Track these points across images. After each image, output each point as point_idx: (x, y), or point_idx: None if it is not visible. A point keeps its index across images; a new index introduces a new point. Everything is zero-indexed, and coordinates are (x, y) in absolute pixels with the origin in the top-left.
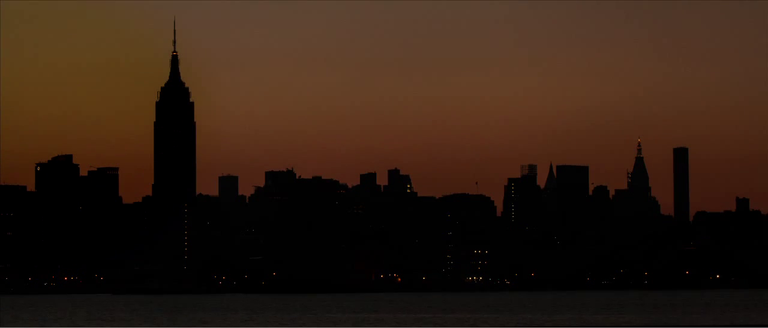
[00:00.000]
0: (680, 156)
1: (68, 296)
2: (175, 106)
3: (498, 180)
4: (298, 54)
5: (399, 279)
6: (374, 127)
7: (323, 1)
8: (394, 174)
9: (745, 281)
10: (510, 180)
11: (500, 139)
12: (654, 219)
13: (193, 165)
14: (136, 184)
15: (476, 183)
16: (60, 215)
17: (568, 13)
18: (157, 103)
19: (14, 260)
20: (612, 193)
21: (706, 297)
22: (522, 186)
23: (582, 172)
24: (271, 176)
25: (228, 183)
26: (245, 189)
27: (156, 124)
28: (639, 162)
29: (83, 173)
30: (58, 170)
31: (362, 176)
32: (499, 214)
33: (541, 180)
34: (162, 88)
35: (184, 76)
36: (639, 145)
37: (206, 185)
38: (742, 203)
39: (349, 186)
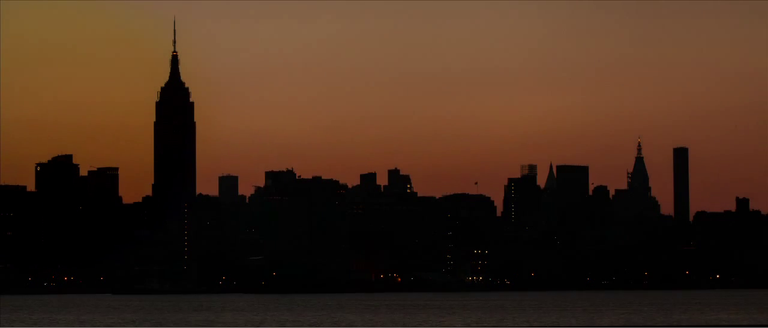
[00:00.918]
0: (680, 156)
1: (68, 296)
2: (175, 106)
3: (498, 180)
4: (299, 54)
5: (399, 279)
6: (374, 127)
7: (324, 1)
8: (394, 174)
9: (745, 281)
10: (510, 180)
11: (500, 139)
12: (654, 219)
13: (193, 165)
14: (136, 184)
15: (476, 183)
16: (60, 215)
17: (568, 14)
18: (157, 103)
19: (14, 260)
20: (612, 193)
21: (706, 297)
22: (522, 186)
23: (582, 172)
24: (271, 175)
25: (228, 183)
26: (245, 189)
27: (156, 124)
28: (639, 162)
29: (83, 172)
30: (58, 169)
31: (362, 176)
32: (499, 214)
33: (541, 180)
34: (162, 88)
35: (184, 76)
36: (639, 145)
37: (206, 185)
38: (742, 203)
39: (349, 186)
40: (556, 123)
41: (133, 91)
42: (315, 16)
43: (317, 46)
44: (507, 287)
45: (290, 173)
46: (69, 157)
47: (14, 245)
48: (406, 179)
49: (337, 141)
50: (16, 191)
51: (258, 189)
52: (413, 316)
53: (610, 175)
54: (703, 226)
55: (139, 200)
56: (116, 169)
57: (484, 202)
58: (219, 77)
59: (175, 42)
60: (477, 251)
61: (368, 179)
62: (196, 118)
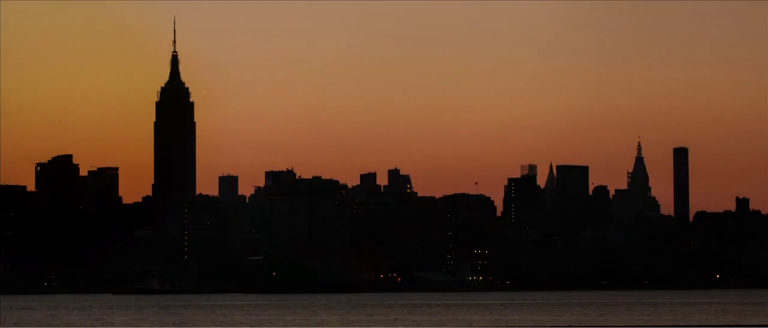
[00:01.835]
0: (680, 156)
1: (68, 296)
2: (175, 106)
3: (498, 180)
4: (299, 54)
5: (399, 279)
6: (374, 127)
7: (323, 1)
8: (394, 174)
9: (745, 281)
10: (510, 180)
11: (500, 139)
12: (654, 219)
13: (193, 165)
14: (136, 184)
15: (476, 183)
16: (60, 215)
17: (568, 14)
18: (157, 103)
19: (14, 260)
20: (612, 193)
21: (706, 297)
22: (522, 186)
23: (582, 172)
24: (271, 175)
25: (228, 183)
26: (245, 189)
27: (156, 124)
28: (639, 162)
29: (83, 172)
30: (58, 170)
31: (362, 176)
32: (499, 214)
33: (541, 180)
34: (162, 88)
35: (184, 76)
36: (639, 145)
37: (206, 185)
38: (742, 203)
39: (349, 186)
40: (556, 123)
41: (133, 91)
42: (315, 16)
43: (317, 47)
44: (507, 287)
45: (290, 172)
46: (69, 157)
47: (14, 245)
48: (406, 179)
49: (337, 141)
50: (16, 191)
51: (258, 189)
52: (413, 316)
53: (610, 175)
54: (703, 226)
55: (139, 200)
56: (116, 169)
57: (484, 202)
58: (219, 77)
59: (175, 42)
60: (477, 251)
61: (368, 178)
62: (196, 118)
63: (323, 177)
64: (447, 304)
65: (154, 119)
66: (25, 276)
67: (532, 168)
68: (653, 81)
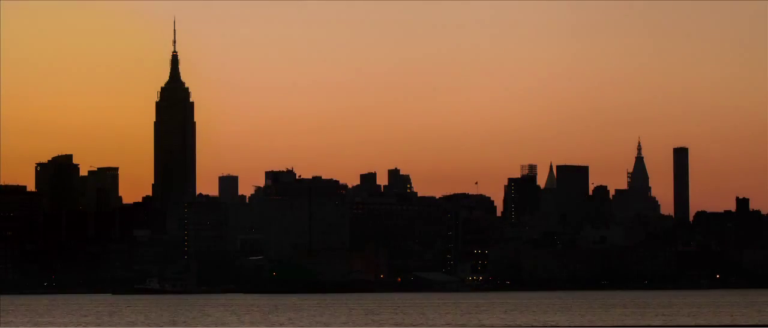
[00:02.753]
0: (680, 156)
1: (68, 296)
2: (175, 106)
3: (498, 180)
4: (299, 54)
5: (399, 279)
6: (374, 127)
7: (323, 1)
8: (394, 174)
9: (745, 281)
10: (510, 180)
11: (500, 139)
12: (654, 219)
13: (193, 165)
14: (136, 184)
15: (476, 183)
16: (60, 215)
17: (568, 14)
18: (157, 103)
19: (14, 260)
20: (612, 193)
21: (706, 297)
22: (522, 186)
23: (582, 172)
24: (271, 175)
25: (228, 183)
26: (245, 189)
27: (156, 124)
28: (639, 162)
29: (83, 172)
30: (58, 169)
31: (362, 176)
32: (499, 214)
33: (541, 180)
34: (162, 88)
35: (184, 76)
36: (639, 145)
37: (206, 185)
38: (742, 202)
39: (349, 186)
40: (556, 123)
41: (133, 91)
42: (315, 16)
43: (317, 47)
44: (507, 287)
45: (290, 172)
46: (69, 157)
47: (14, 245)
48: (406, 179)
49: (337, 141)
50: (16, 191)
51: (258, 189)
52: (414, 316)
53: (610, 175)
54: (703, 226)
55: (139, 200)
56: (116, 169)
57: (484, 202)
58: (219, 77)
59: (175, 42)
60: (477, 251)
61: (368, 178)
62: (196, 118)
63: (323, 177)
64: (447, 304)
65: (154, 119)
66: (25, 276)
67: (532, 168)
68: (653, 81)
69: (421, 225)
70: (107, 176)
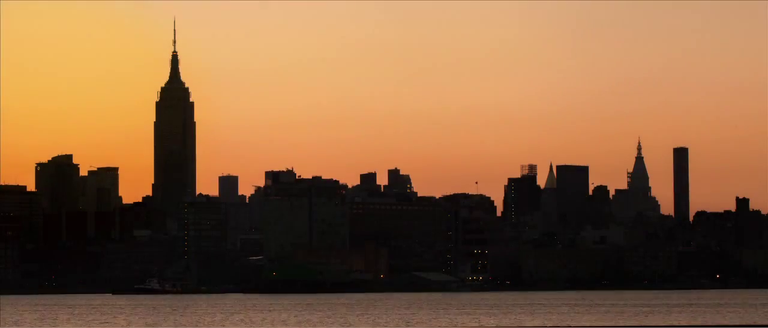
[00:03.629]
0: (680, 156)
1: (68, 296)
2: (175, 106)
3: (498, 180)
4: (299, 54)
5: (399, 279)
6: (374, 127)
7: (323, 1)
8: (394, 174)
9: (745, 281)
10: (510, 180)
11: (500, 139)
12: (654, 219)
13: (193, 165)
14: (136, 184)
15: (476, 183)
16: (60, 215)
17: (568, 14)
18: (157, 103)
19: (14, 260)
20: (612, 193)
21: (706, 297)
22: (522, 186)
23: (582, 172)
24: (271, 175)
25: (228, 183)
26: (245, 189)
27: (156, 124)
28: (639, 162)
29: (83, 172)
30: (58, 169)
31: (362, 176)
32: (499, 214)
33: (541, 180)
34: (162, 88)
35: (184, 76)
36: (639, 145)
37: (206, 185)
38: (742, 203)
39: (349, 186)
40: (556, 123)
41: (133, 91)
42: (315, 16)
43: (317, 47)
44: (507, 287)
45: (290, 172)
46: (69, 157)
47: (14, 245)
48: (406, 179)
49: (337, 141)
50: (16, 191)
51: (258, 189)
52: (413, 316)
53: (610, 175)
54: (703, 226)
55: (139, 199)
56: (116, 169)
57: (484, 202)
58: (219, 77)
59: (175, 42)
60: (477, 251)
61: (368, 178)
62: (196, 118)
63: (323, 177)
64: (448, 304)
65: (154, 119)
66: (25, 276)
67: (532, 168)
68: (653, 81)
69: (421, 225)
70: (107, 176)
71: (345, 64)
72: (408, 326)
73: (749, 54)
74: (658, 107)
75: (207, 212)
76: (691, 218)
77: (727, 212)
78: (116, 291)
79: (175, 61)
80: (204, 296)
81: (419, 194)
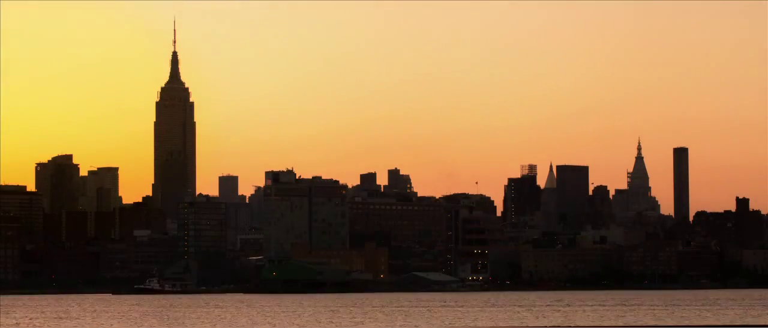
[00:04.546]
0: (680, 156)
1: (68, 295)
2: (175, 106)
3: (498, 180)
4: (299, 54)
5: (399, 279)
6: (374, 127)
7: (323, 1)
8: (394, 174)
9: (745, 281)
10: (510, 180)
11: (500, 139)
12: (654, 219)
13: (193, 165)
14: (136, 184)
15: (476, 183)
16: (60, 215)
17: (568, 15)
18: (157, 103)
19: (14, 260)
20: (612, 193)
21: (706, 297)
22: (522, 186)
23: (582, 172)
24: (271, 175)
25: (228, 183)
26: (245, 189)
27: (156, 124)
28: (639, 162)
29: (83, 172)
30: (58, 169)
31: (362, 176)
32: (499, 214)
33: (541, 180)
34: (162, 88)
35: (184, 76)
36: (639, 145)
37: (206, 185)
38: (742, 203)
39: (349, 186)
40: (556, 123)
41: (133, 91)
42: (315, 17)
43: (317, 47)
44: (507, 287)
45: (290, 172)
46: (69, 157)
47: (14, 245)
48: (406, 179)
49: (337, 141)
50: (16, 191)
51: (258, 189)
52: (414, 316)
53: (610, 175)
54: (703, 226)
55: (139, 200)
56: (116, 169)
57: (484, 202)
58: (219, 77)
59: (175, 42)
60: (477, 251)
61: (368, 178)
62: (196, 119)
63: (323, 177)
64: (448, 304)
65: (154, 119)
66: (25, 276)
67: (532, 168)
68: (653, 81)
69: (421, 225)
70: (107, 176)
71: (345, 64)
72: (410, 326)
73: (749, 54)
74: (658, 107)
75: (207, 212)
76: (691, 218)
77: (727, 212)
78: (116, 291)
79: (175, 59)
80: (204, 296)
81: (419, 194)
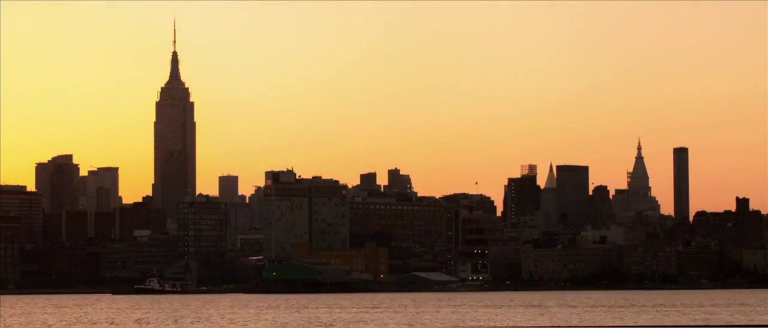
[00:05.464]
0: (680, 156)
1: (68, 295)
2: (175, 106)
3: (498, 180)
4: (299, 54)
5: (399, 279)
6: (374, 127)
7: (323, 2)
8: (394, 174)
9: (745, 281)
10: (510, 180)
11: (500, 140)
12: (654, 219)
13: (193, 165)
14: (136, 184)
15: (476, 183)
16: (60, 215)
17: (568, 15)
18: (157, 103)
19: (14, 260)
20: (612, 193)
21: (706, 297)
22: (522, 186)
23: (582, 172)
24: (271, 175)
25: (228, 183)
26: (245, 189)
27: (156, 124)
28: (639, 162)
29: (83, 173)
30: (58, 169)
31: (362, 176)
32: (499, 214)
33: (541, 180)
34: (162, 88)
35: (184, 75)
36: (639, 145)
37: (206, 185)
38: (742, 203)
39: (349, 186)
40: (556, 123)
41: (133, 91)
42: (315, 17)
43: (317, 47)
44: (507, 287)
45: (290, 172)
46: (69, 157)
47: (14, 244)
48: (406, 179)
49: (337, 141)
50: (16, 191)
51: (258, 189)
52: (414, 316)
53: (610, 175)
54: (703, 226)
55: (139, 200)
56: (116, 169)
57: (484, 202)
58: (219, 77)
59: (175, 42)
60: (477, 251)
61: (368, 178)
62: (196, 119)
63: (323, 177)
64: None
65: (154, 119)
66: (25, 276)
67: (532, 168)
68: (653, 81)
69: (421, 225)
70: (107, 176)
71: (346, 64)
72: (412, 325)
73: (749, 54)
74: (658, 107)
75: (207, 212)
76: (691, 218)
77: (727, 212)
78: (116, 291)
79: (175, 58)
80: (204, 296)
81: (419, 194)
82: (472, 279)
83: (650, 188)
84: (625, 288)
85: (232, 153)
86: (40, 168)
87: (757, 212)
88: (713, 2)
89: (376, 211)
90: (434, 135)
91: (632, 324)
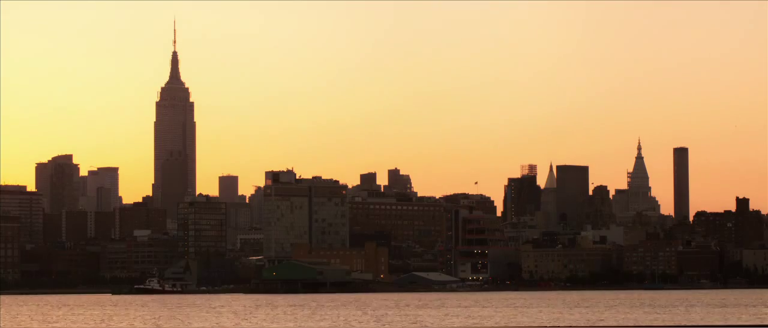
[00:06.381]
0: (680, 156)
1: (68, 295)
2: (175, 106)
3: (498, 180)
4: (299, 54)
5: (399, 279)
6: (374, 127)
7: (323, 2)
8: (394, 174)
9: (745, 281)
10: (510, 180)
11: (500, 139)
12: (654, 219)
13: (193, 165)
14: (136, 184)
15: (476, 183)
16: (60, 215)
17: (568, 14)
18: (157, 103)
19: (14, 260)
20: (612, 193)
21: (706, 297)
22: (522, 186)
23: (582, 172)
24: (271, 175)
25: (228, 183)
26: (245, 189)
27: (156, 124)
28: (639, 162)
29: (83, 173)
30: (58, 170)
31: (362, 176)
32: (499, 214)
33: (541, 180)
34: (162, 88)
35: (184, 76)
36: (639, 145)
37: (206, 185)
38: (742, 203)
39: (349, 186)
40: (556, 123)
41: (133, 91)
42: (316, 17)
43: (318, 47)
44: (507, 287)
45: (290, 172)
46: (69, 157)
47: (14, 244)
48: (406, 179)
49: (337, 141)
50: (16, 191)
51: (258, 189)
52: (415, 316)
53: (610, 175)
54: (703, 226)
55: (139, 200)
56: (116, 169)
57: (484, 202)
58: (219, 77)
59: (175, 42)
60: (477, 251)
61: (368, 178)
62: (196, 118)
63: (323, 177)
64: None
65: (154, 119)
66: (25, 276)
67: (532, 168)
68: (653, 81)
69: (421, 225)
70: (107, 176)
71: (346, 64)
72: (414, 325)
73: (749, 54)
74: (658, 107)
75: (207, 212)
76: (691, 218)
77: (727, 212)
78: (116, 291)
79: (175, 59)
80: (204, 296)
81: (419, 194)
82: (472, 279)
83: (650, 188)
84: (625, 288)
85: (232, 153)
86: (40, 168)
87: (757, 212)
88: (713, 3)
89: (376, 211)
90: (434, 135)
91: (633, 324)
